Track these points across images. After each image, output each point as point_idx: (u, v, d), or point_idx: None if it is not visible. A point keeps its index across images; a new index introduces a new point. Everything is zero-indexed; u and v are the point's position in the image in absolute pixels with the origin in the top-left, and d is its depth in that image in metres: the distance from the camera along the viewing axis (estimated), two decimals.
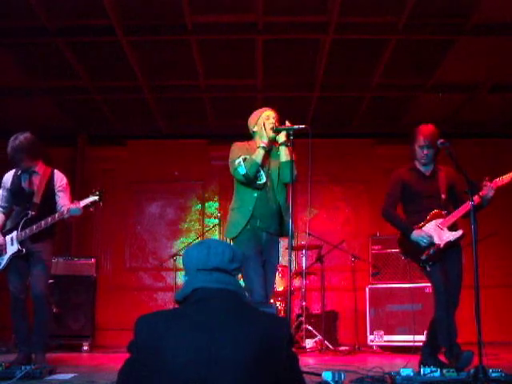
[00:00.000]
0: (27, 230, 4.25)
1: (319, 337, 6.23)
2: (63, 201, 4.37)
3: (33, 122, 7.18)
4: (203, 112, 7.61)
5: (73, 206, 4.16)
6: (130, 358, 1.96)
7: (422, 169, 4.17)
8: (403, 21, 5.45)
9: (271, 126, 3.86)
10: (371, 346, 6.32)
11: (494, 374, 3.15)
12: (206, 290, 1.98)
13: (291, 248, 3.63)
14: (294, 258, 7.23)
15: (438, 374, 3.19)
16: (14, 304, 4.36)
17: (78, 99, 7.31)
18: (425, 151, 4.05)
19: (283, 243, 4.77)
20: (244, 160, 3.80)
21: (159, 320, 1.92)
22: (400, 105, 7.43)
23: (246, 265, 3.65)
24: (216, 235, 7.73)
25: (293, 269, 6.27)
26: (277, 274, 6.36)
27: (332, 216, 8.14)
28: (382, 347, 6.25)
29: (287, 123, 3.84)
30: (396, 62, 6.24)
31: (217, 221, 7.86)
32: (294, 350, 2.07)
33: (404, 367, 3.30)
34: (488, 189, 3.85)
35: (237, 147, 3.95)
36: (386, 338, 6.20)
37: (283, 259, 6.41)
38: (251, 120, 4.01)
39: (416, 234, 3.95)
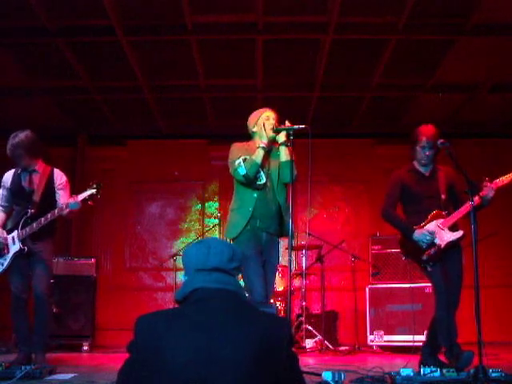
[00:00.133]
0: (27, 229, 4.25)
1: (319, 337, 6.23)
2: (63, 199, 4.37)
3: (33, 122, 7.16)
4: (203, 112, 7.61)
5: (71, 201, 4.16)
6: (129, 358, 1.96)
7: (421, 169, 4.17)
8: (403, 21, 5.45)
9: (271, 126, 3.86)
10: (371, 346, 6.32)
11: (494, 374, 3.15)
12: (206, 290, 1.98)
13: (291, 248, 3.63)
14: (293, 257, 7.23)
15: (437, 373, 3.19)
16: (15, 304, 4.36)
17: (78, 99, 7.31)
18: (427, 152, 4.05)
19: (283, 243, 4.77)
20: (244, 160, 3.80)
21: (159, 320, 1.92)
22: (400, 105, 7.43)
23: (246, 265, 3.65)
24: (216, 235, 7.73)
25: (293, 269, 6.28)
26: (277, 274, 6.39)
27: (332, 216, 8.14)
28: (382, 347, 6.25)
29: (287, 123, 3.83)
30: (396, 62, 6.24)
31: (217, 221, 7.87)
32: (293, 349, 2.07)
33: (404, 367, 3.30)
34: (488, 189, 3.85)
35: (236, 148, 3.95)
36: (386, 337, 6.20)
37: (283, 259, 6.41)
38: (251, 120, 4.01)
39: (418, 233, 3.95)
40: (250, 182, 3.81)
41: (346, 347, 6.41)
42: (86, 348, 6.37)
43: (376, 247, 6.57)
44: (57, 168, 4.59)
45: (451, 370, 3.25)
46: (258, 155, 3.80)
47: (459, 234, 3.97)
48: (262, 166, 3.84)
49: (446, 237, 3.94)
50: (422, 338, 5.04)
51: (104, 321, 7.23)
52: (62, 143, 8.06)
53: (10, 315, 4.40)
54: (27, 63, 6.30)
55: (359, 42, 5.88)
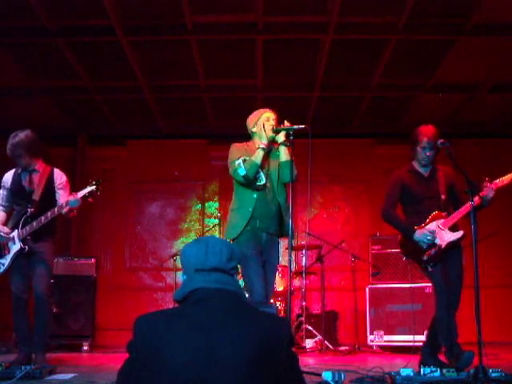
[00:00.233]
0: (28, 228, 4.25)
1: (319, 337, 6.23)
2: (63, 198, 4.37)
3: (33, 122, 7.15)
4: (203, 112, 7.62)
5: (71, 198, 4.17)
6: (129, 358, 1.96)
7: (420, 170, 4.17)
8: (403, 21, 5.45)
9: (271, 127, 3.86)
10: (371, 346, 6.32)
11: (494, 374, 3.15)
12: (206, 290, 1.97)
13: (291, 248, 3.63)
14: (293, 257, 7.23)
15: (438, 373, 3.19)
16: (15, 304, 4.36)
17: (78, 99, 7.32)
18: (427, 152, 4.05)
19: (283, 243, 4.76)
20: (244, 161, 3.80)
21: (158, 320, 1.92)
22: (400, 105, 7.43)
23: (247, 265, 3.66)
24: (216, 235, 7.73)
25: (293, 269, 6.27)
26: (277, 274, 6.38)
27: (332, 216, 8.14)
28: (381, 347, 6.25)
29: (286, 123, 3.83)
30: (396, 62, 6.24)
31: (217, 221, 7.87)
32: (293, 349, 2.07)
33: (404, 367, 3.29)
34: (488, 190, 3.85)
35: (235, 148, 3.95)
36: (386, 337, 6.20)
37: (283, 259, 6.41)
38: (250, 120, 4.01)
39: (418, 233, 3.95)
40: (249, 182, 3.81)
41: (346, 347, 6.41)
42: (86, 348, 6.37)
43: (376, 247, 6.57)
44: (57, 168, 4.60)
45: (451, 370, 3.25)
46: (258, 156, 3.80)
47: (459, 234, 3.96)
48: (262, 166, 3.84)
49: (446, 237, 3.94)
50: (422, 338, 5.04)
51: (104, 321, 7.23)
52: (61, 143, 8.06)
53: (11, 315, 4.41)
54: (27, 63, 6.31)
55: (359, 41, 5.88)
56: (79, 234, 7.97)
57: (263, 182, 3.85)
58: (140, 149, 8.34)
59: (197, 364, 1.81)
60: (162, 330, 1.86)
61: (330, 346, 6.15)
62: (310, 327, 6.31)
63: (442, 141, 3.71)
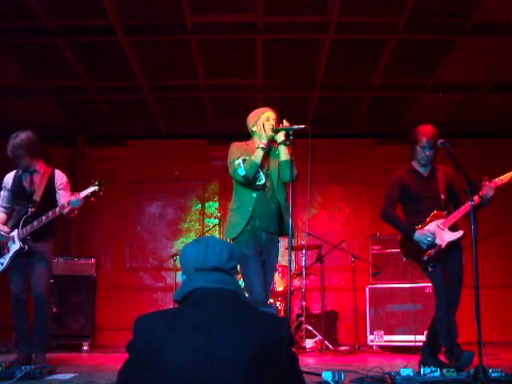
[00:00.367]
0: (28, 227, 4.26)
1: (319, 337, 6.23)
2: (64, 198, 4.38)
3: (33, 122, 7.16)
4: (203, 112, 7.61)
5: (73, 198, 4.16)
6: (129, 359, 1.96)
7: (420, 170, 4.17)
8: (403, 21, 5.45)
9: (270, 127, 3.86)
10: (371, 346, 6.32)
11: (494, 374, 3.15)
12: (206, 289, 1.97)
13: (291, 248, 3.63)
14: (293, 257, 7.23)
15: (438, 373, 3.19)
16: (15, 304, 4.36)
17: (78, 99, 7.31)
18: (427, 152, 4.05)
19: (283, 243, 4.76)
20: (243, 161, 3.80)
21: (158, 320, 1.92)
22: (400, 105, 7.43)
23: (246, 265, 3.66)
24: (216, 235, 7.73)
25: (293, 269, 6.28)
26: (276, 273, 6.39)
27: (332, 216, 8.14)
28: (382, 347, 6.25)
29: (285, 122, 3.83)
30: (396, 62, 6.24)
31: (217, 221, 7.87)
32: (293, 349, 2.07)
33: (404, 367, 3.29)
34: (487, 189, 3.86)
35: (235, 147, 3.95)
36: (386, 337, 6.20)
37: (283, 259, 6.41)
38: (250, 119, 4.01)
39: (419, 234, 3.95)
40: (249, 182, 3.81)
41: (346, 347, 6.41)
42: (86, 348, 6.37)
43: (376, 247, 6.57)
44: (57, 168, 4.61)
45: (451, 369, 3.25)
46: (258, 156, 3.80)
47: (459, 233, 3.97)
48: (262, 166, 3.84)
49: (446, 237, 3.94)
50: (422, 338, 5.04)
51: (104, 321, 7.23)
52: (62, 143, 8.06)
53: (11, 315, 4.41)
54: (27, 63, 6.30)
55: (359, 41, 5.88)
56: (79, 234, 7.97)
57: (263, 181, 3.85)
58: (140, 149, 8.34)
59: (197, 364, 1.81)
60: (162, 331, 1.86)
61: (330, 346, 6.15)
62: (310, 327, 6.31)
63: (442, 141, 3.71)
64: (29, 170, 4.44)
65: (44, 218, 4.22)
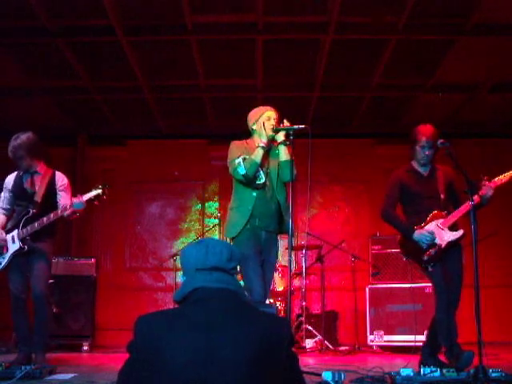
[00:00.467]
0: (29, 228, 4.26)
1: (319, 337, 6.23)
2: (64, 200, 4.39)
3: (33, 122, 7.18)
4: (203, 112, 7.61)
5: (76, 200, 4.17)
6: (129, 359, 1.96)
7: (419, 169, 4.17)
8: (403, 21, 5.45)
9: (271, 126, 3.86)
10: (371, 346, 6.32)
11: (494, 374, 3.15)
12: (206, 289, 1.97)
13: (291, 248, 3.63)
14: (293, 257, 7.23)
15: (438, 373, 3.19)
16: (14, 304, 4.36)
17: (78, 99, 7.31)
18: (426, 152, 4.05)
19: (283, 243, 4.76)
20: (243, 160, 3.80)
21: (159, 320, 1.92)
22: (400, 105, 7.43)
23: (246, 265, 3.66)
24: (216, 235, 7.73)
25: (293, 269, 6.27)
26: (276, 273, 6.39)
27: (332, 216, 8.14)
28: (382, 347, 6.25)
29: (285, 122, 3.83)
30: (396, 62, 6.24)
31: (217, 221, 7.87)
32: (293, 349, 2.07)
33: (404, 367, 3.29)
34: (487, 188, 3.86)
35: (235, 146, 3.95)
36: (386, 337, 6.20)
37: (283, 259, 6.42)
38: (251, 117, 4.01)
39: (418, 234, 3.95)
40: (249, 181, 3.82)
41: (346, 347, 6.41)
42: (86, 348, 6.37)
43: (376, 247, 6.57)
44: (57, 168, 4.62)
45: (451, 369, 3.25)
46: (258, 155, 3.80)
47: (459, 233, 3.97)
48: (261, 165, 3.84)
49: (446, 236, 3.95)
50: (422, 338, 5.04)
51: (104, 321, 7.23)
52: (62, 143, 8.06)
53: (11, 315, 4.41)
54: (27, 63, 6.30)
55: (359, 41, 5.88)
56: (79, 234, 7.97)
57: (263, 180, 3.86)
58: (140, 149, 8.34)
59: (197, 364, 1.81)
60: (163, 331, 1.86)
61: (330, 346, 6.15)
62: (310, 327, 6.31)
63: (442, 141, 3.71)
64: (29, 171, 4.45)
65: (45, 219, 4.22)
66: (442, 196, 4.05)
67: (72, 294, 6.48)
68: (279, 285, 6.49)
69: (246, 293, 3.57)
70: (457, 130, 7.69)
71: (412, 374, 3.21)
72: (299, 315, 6.53)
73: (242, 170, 3.77)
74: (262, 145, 3.83)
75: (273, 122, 3.89)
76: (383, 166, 7.63)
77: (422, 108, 7.32)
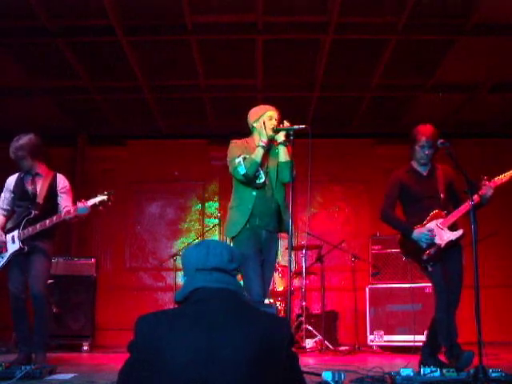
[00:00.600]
0: (30, 229, 4.26)
1: (319, 337, 6.23)
2: (65, 202, 4.41)
3: (33, 122, 7.18)
4: (203, 112, 7.61)
5: (80, 205, 4.17)
6: (130, 358, 1.96)
7: (419, 169, 4.17)
8: (403, 21, 5.45)
9: (272, 126, 3.86)
10: (371, 346, 6.32)
11: (494, 374, 3.15)
12: (206, 289, 1.98)
13: (291, 248, 3.63)
14: (293, 257, 7.23)
15: (438, 373, 3.19)
16: (14, 304, 4.36)
17: (78, 99, 7.31)
18: (426, 151, 4.06)
19: (283, 243, 4.76)
20: (244, 159, 3.80)
21: (159, 320, 1.92)
22: (400, 105, 7.43)
23: (246, 264, 3.66)
24: (216, 235, 7.74)
25: (293, 269, 6.28)
26: (276, 273, 6.40)
27: (332, 216, 8.14)
28: (381, 347, 6.25)
29: (285, 123, 3.83)
30: (396, 62, 6.24)
31: (217, 221, 7.87)
32: (293, 349, 2.07)
33: (404, 367, 3.29)
34: (487, 188, 3.86)
35: (235, 145, 3.95)
36: (386, 337, 6.19)
37: (283, 259, 6.42)
38: (252, 115, 4.00)
39: (417, 232, 3.95)
40: (249, 180, 3.81)
41: (346, 347, 6.41)
42: (86, 348, 6.37)
43: (376, 247, 6.57)
44: (57, 168, 4.64)
45: (451, 369, 3.25)
46: (258, 154, 3.80)
47: (459, 233, 3.97)
48: (261, 164, 3.84)
49: (445, 236, 3.95)
50: (422, 338, 5.04)
51: (104, 321, 7.23)
52: (62, 143, 8.06)
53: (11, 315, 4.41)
54: (27, 63, 6.30)
55: (359, 41, 5.88)
56: (79, 235, 7.97)
57: (263, 179, 3.86)
58: (140, 149, 8.34)
59: (197, 364, 1.81)
60: (163, 330, 1.86)
61: (330, 346, 6.15)
62: (310, 327, 6.31)
63: (442, 141, 3.71)
64: (31, 172, 4.47)
65: (48, 221, 4.23)
66: (441, 196, 4.05)
67: (72, 294, 6.48)
68: (279, 285, 6.49)
69: (245, 293, 3.58)
70: (457, 130, 7.69)
71: (412, 373, 3.21)
72: (299, 315, 6.53)
73: (242, 170, 3.77)
74: (262, 144, 3.83)
75: (274, 121, 3.89)
76: (383, 166, 7.64)
77: (422, 108, 7.32)
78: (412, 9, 5.25)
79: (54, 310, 6.10)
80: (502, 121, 7.79)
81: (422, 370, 3.23)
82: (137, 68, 6.34)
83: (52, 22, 5.49)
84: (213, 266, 2.02)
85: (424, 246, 3.94)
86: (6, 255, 4.32)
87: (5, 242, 4.33)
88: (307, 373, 3.35)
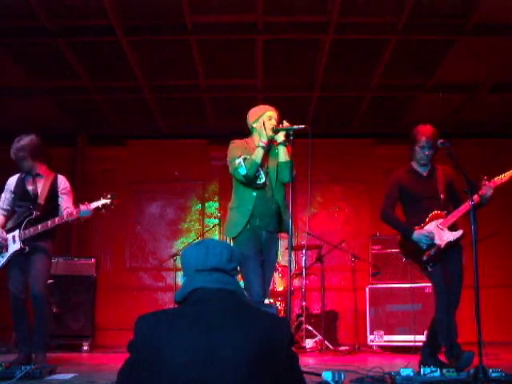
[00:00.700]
0: (31, 229, 4.27)
1: (319, 337, 6.23)
2: (66, 203, 4.42)
3: (33, 122, 7.18)
4: (203, 112, 7.61)
5: (83, 208, 4.18)
6: (129, 358, 1.96)
7: (419, 169, 4.17)
8: (403, 21, 5.45)
9: (271, 126, 3.86)
10: (371, 346, 6.32)
11: (494, 374, 3.15)
12: (206, 290, 1.98)
13: (291, 248, 3.63)
14: (293, 257, 7.23)
15: (437, 373, 3.19)
16: (14, 304, 4.36)
17: (78, 99, 7.31)
18: (426, 152, 4.06)
19: (283, 243, 4.75)
20: (244, 160, 3.80)
21: (159, 320, 1.92)
22: (400, 105, 7.43)
23: (246, 265, 3.66)
24: (216, 235, 7.74)
25: (293, 269, 6.28)
26: (276, 273, 6.39)
27: (332, 216, 8.14)
28: (382, 347, 6.25)
29: (285, 123, 3.83)
30: (396, 62, 6.24)
31: (217, 221, 7.87)
32: (293, 349, 2.07)
33: (404, 367, 3.29)
34: (487, 188, 3.86)
35: (235, 145, 3.95)
36: (386, 338, 6.19)
37: (283, 259, 6.41)
38: (252, 115, 4.00)
39: (417, 234, 3.95)
40: (250, 181, 3.81)
41: (346, 347, 6.41)
42: (86, 348, 6.37)
43: (376, 247, 6.57)
44: (57, 168, 4.66)
45: (451, 370, 3.25)
46: (258, 155, 3.80)
47: (459, 233, 3.96)
48: (261, 165, 3.84)
49: (445, 237, 3.94)
50: (422, 338, 5.04)
51: (104, 321, 7.23)
52: (62, 143, 8.05)
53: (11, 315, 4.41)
54: (27, 63, 6.30)
55: (359, 41, 5.88)
56: (79, 235, 7.97)
57: (263, 180, 3.85)
58: (140, 149, 8.34)
59: (197, 364, 1.81)
60: (163, 330, 1.86)
61: (330, 346, 6.15)
62: (310, 327, 6.31)
63: (442, 141, 3.71)
64: (31, 173, 4.48)
65: (50, 222, 4.24)
66: (441, 196, 4.05)
67: (72, 294, 6.48)
68: (279, 285, 6.49)
69: (245, 293, 3.58)
70: (457, 130, 7.69)
71: (412, 373, 3.21)
72: (299, 315, 6.53)
73: (242, 171, 3.77)
74: (262, 144, 3.82)
75: (274, 121, 3.88)
76: (383, 166, 7.64)
77: (422, 108, 7.32)
78: (412, 9, 5.25)
79: (54, 310, 6.10)
80: (502, 121, 7.79)
81: (422, 370, 3.23)
82: (137, 68, 6.34)
83: (52, 21, 5.49)
84: (212, 267, 2.02)
85: (424, 246, 3.94)
86: (7, 255, 4.33)
87: (6, 239, 4.32)
88: (307, 373, 3.35)
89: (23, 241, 4.28)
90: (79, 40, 5.82)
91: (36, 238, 4.30)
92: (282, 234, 4.10)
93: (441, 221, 3.98)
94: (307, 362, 4.79)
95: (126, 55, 6.03)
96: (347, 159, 8.15)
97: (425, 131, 4.04)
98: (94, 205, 4.21)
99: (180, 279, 6.99)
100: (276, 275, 6.42)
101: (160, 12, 5.39)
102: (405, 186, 4.14)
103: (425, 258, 3.93)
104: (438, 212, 4.01)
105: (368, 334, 6.32)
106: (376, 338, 6.24)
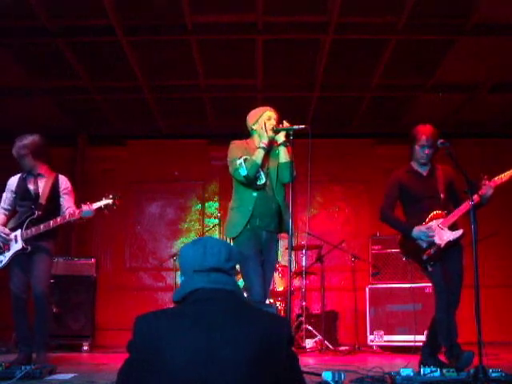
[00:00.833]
0: (33, 229, 4.28)
1: (319, 337, 6.23)
2: (68, 203, 4.43)
3: (33, 122, 7.18)
4: (203, 112, 7.61)
5: (85, 208, 4.18)
6: (129, 358, 1.96)
7: (419, 169, 4.17)
8: (403, 21, 5.45)
9: (271, 127, 3.86)
10: (371, 346, 6.32)
11: (494, 374, 3.15)
12: (205, 290, 1.97)
13: (291, 248, 3.63)
14: (293, 257, 7.23)
15: (438, 373, 3.19)
16: (15, 304, 4.36)
17: (78, 99, 7.31)
18: (426, 151, 4.06)
19: (283, 243, 4.75)
20: (245, 161, 3.80)
21: (158, 320, 1.91)
22: (400, 105, 7.43)
23: (246, 265, 3.66)
24: (216, 235, 7.72)
25: (293, 269, 6.27)
26: (276, 273, 6.39)
27: (332, 216, 8.14)
28: (382, 347, 6.25)
29: (285, 123, 3.83)
30: (396, 62, 6.24)
31: (217, 221, 7.87)
32: (293, 349, 2.07)
33: (404, 367, 3.29)
34: (487, 188, 3.86)
35: (235, 146, 3.95)
36: (386, 338, 6.20)
37: (283, 259, 6.41)
38: (251, 117, 4.00)
39: (416, 231, 3.95)
40: (250, 182, 3.81)
41: (346, 347, 6.41)
42: (86, 348, 6.37)
43: (376, 247, 6.57)
44: (57, 168, 4.65)
45: (451, 370, 3.25)
46: (259, 155, 3.80)
47: (459, 233, 3.96)
48: (262, 165, 3.84)
49: (445, 236, 3.94)
50: (422, 338, 5.04)
51: (104, 321, 7.23)
52: (62, 143, 8.03)
53: (12, 315, 4.41)
54: (27, 63, 6.30)
55: (359, 41, 5.88)
56: (79, 235, 7.97)
57: (263, 180, 3.85)
58: (140, 149, 8.34)
59: (197, 364, 1.81)
60: (162, 330, 1.86)
61: (330, 346, 6.15)
62: (310, 327, 6.31)
63: (442, 141, 3.71)
64: (33, 172, 4.48)
65: (52, 222, 4.25)
66: (441, 196, 4.05)
67: (72, 294, 6.48)
68: (279, 285, 6.48)
69: (245, 293, 3.58)
70: (457, 130, 7.69)
71: (412, 373, 3.21)
72: (299, 315, 6.53)
73: (243, 172, 3.77)
74: (262, 146, 3.82)
75: (273, 122, 3.89)
76: (383, 166, 7.64)
77: (422, 108, 7.32)
78: (412, 9, 5.25)
79: (54, 310, 6.10)
80: (502, 121, 7.79)
81: (422, 370, 3.23)
82: (137, 68, 6.34)
83: (52, 21, 5.49)
84: (210, 267, 2.01)
85: (424, 245, 3.94)
86: (8, 254, 4.33)
87: (9, 234, 4.32)
88: (307, 373, 3.35)
89: (25, 240, 4.28)
90: (79, 40, 5.82)
91: (38, 237, 4.30)
92: (282, 234, 4.10)
93: (441, 220, 3.98)
94: (307, 362, 4.79)
95: (125, 55, 6.03)
96: (347, 159, 8.16)
97: (425, 131, 4.05)
98: (97, 205, 4.21)
99: (179, 279, 6.99)
100: (276, 275, 6.42)
101: (160, 12, 5.39)
102: (405, 186, 4.14)
103: (425, 257, 3.92)
104: (439, 212, 4.00)
105: (368, 334, 6.32)
106: (376, 338, 6.24)
